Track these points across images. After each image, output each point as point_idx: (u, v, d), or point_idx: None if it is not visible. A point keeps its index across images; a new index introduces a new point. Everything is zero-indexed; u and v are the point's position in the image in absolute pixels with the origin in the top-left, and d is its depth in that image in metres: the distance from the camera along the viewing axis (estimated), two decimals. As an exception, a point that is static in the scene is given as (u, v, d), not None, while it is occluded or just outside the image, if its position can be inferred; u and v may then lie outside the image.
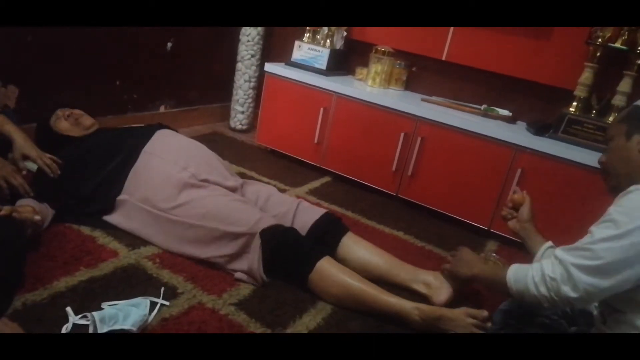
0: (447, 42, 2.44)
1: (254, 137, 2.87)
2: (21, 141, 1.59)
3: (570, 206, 2.00)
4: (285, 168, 2.60)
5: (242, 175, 2.07)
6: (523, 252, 1.68)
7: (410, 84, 2.69)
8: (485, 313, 1.34)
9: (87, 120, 1.82)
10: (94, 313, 1.17)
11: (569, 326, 1.29)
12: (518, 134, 2.09)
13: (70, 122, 1.78)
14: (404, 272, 1.59)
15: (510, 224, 1.47)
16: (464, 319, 1.33)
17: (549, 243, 1.37)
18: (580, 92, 2.09)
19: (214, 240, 1.53)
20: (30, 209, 1.39)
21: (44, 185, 1.58)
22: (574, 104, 2.11)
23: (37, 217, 1.38)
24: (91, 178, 1.65)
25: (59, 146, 1.71)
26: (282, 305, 1.43)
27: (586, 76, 2.07)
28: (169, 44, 2.71)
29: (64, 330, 1.16)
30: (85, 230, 1.61)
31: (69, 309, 1.22)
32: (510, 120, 2.32)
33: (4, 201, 1.43)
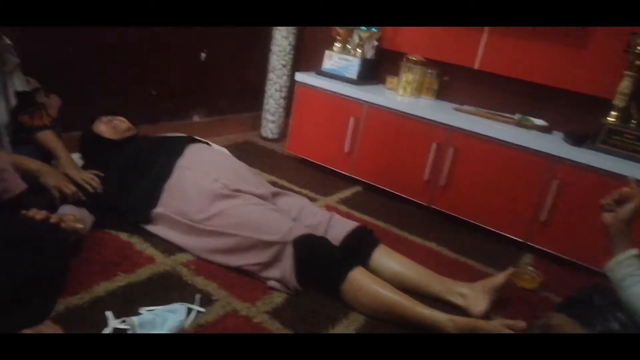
0: (480, 51, 2.42)
1: (285, 146, 2.89)
2: (64, 160, 1.68)
3: (610, 219, 1.94)
4: (316, 177, 2.61)
5: (273, 184, 2.08)
6: (558, 266, 1.64)
7: (442, 93, 2.68)
8: (522, 324, 1.31)
9: (123, 124, 1.92)
10: (133, 318, 1.20)
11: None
12: (554, 144, 2.05)
13: (108, 126, 1.89)
14: (438, 283, 1.57)
15: (606, 216, 1.31)
16: (501, 331, 1.31)
17: (634, 251, 1.23)
18: (619, 101, 2.03)
19: (247, 249, 1.54)
20: (73, 217, 1.44)
21: (87, 198, 1.64)
22: (613, 113, 2.05)
23: (80, 226, 1.44)
24: (128, 192, 1.71)
25: (97, 147, 1.85)
26: (315, 315, 1.42)
27: (625, 85, 2.02)
28: (203, 54, 2.77)
29: (104, 334, 1.18)
30: (124, 236, 1.65)
31: (108, 313, 1.25)
32: (546, 130, 2.27)
33: (49, 206, 1.48)
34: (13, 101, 1.65)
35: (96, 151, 1.87)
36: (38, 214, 1.30)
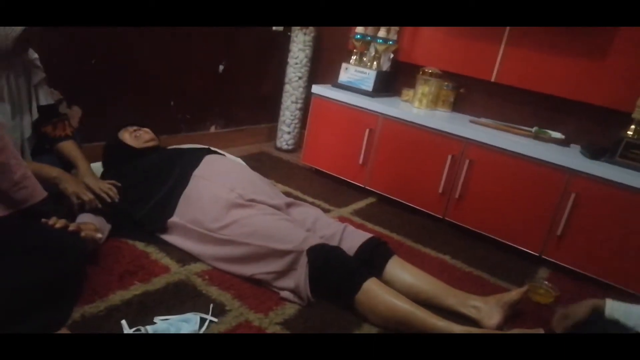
0: (497, 63, 2.42)
1: (300, 157, 2.91)
2: (83, 170, 1.72)
3: (629, 233, 1.91)
4: (330, 188, 2.62)
5: (287, 195, 2.10)
6: (574, 280, 1.62)
7: (458, 106, 2.67)
8: (540, 330, 1.31)
9: (146, 135, 1.97)
10: (147, 327, 1.22)
11: None
12: (572, 158, 2.03)
13: (132, 135, 1.96)
14: (452, 296, 1.56)
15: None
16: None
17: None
18: (638, 114, 2.00)
19: (261, 258, 1.55)
20: (93, 226, 1.47)
21: (102, 207, 1.67)
22: (632, 127, 2.02)
23: (99, 235, 1.47)
24: (144, 201, 1.75)
25: (118, 153, 1.90)
26: (328, 327, 1.43)
27: (645, 98, 1.99)
28: (221, 66, 2.81)
29: (118, 343, 1.20)
30: (140, 245, 1.67)
31: (123, 322, 1.27)
32: (564, 143, 2.25)
33: (68, 214, 1.52)
34: (35, 115, 1.70)
35: (117, 157, 1.92)
36: (58, 223, 1.33)
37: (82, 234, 1.37)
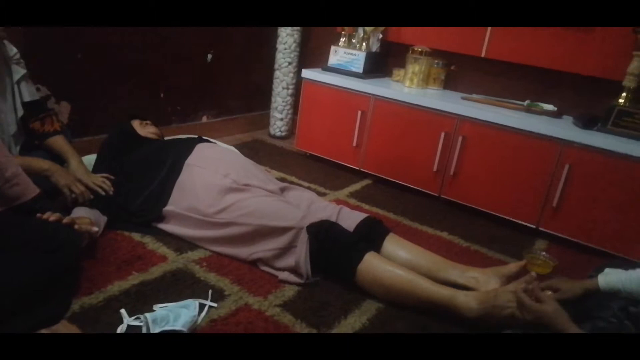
0: (486, 39, 2.40)
1: (293, 143, 2.91)
2: (75, 165, 1.71)
3: (624, 201, 1.91)
4: (325, 172, 2.62)
5: (282, 180, 2.09)
6: (571, 250, 1.63)
7: (449, 83, 2.66)
8: (533, 274, 1.33)
9: (152, 128, 2.06)
10: (147, 314, 1.22)
11: (635, 328, 1.19)
12: (564, 129, 2.02)
13: (140, 125, 2.02)
14: (451, 268, 1.57)
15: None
16: (517, 285, 1.30)
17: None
18: (629, 82, 2.00)
19: (261, 237, 1.56)
20: (88, 220, 1.47)
21: (96, 200, 1.67)
22: (623, 94, 2.02)
23: (95, 229, 1.47)
24: (138, 193, 1.74)
25: (124, 137, 1.93)
26: (327, 306, 1.43)
27: (635, 65, 1.98)
28: (209, 55, 2.79)
29: (119, 331, 1.21)
30: (136, 236, 1.67)
31: (123, 311, 1.27)
32: (556, 114, 2.24)
33: (63, 209, 1.51)
34: (20, 112, 1.68)
35: (120, 141, 1.93)
36: (52, 216, 1.33)
37: (76, 227, 1.37)
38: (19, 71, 1.67)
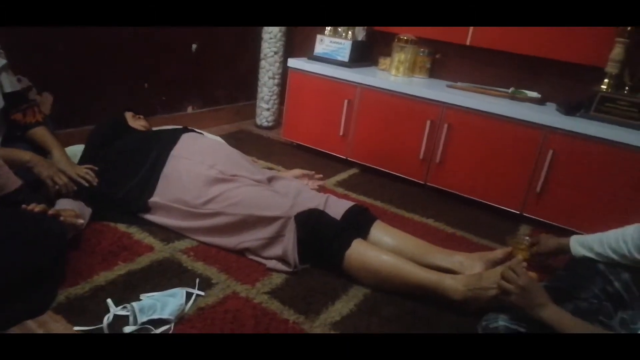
0: (471, 27, 2.41)
1: (280, 133, 2.90)
2: (58, 156, 1.68)
3: (606, 186, 1.94)
4: (312, 162, 2.61)
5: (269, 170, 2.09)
6: (554, 234, 1.66)
7: (434, 71, 2.67)
8: (520, 257, 1.41)
9: (143, 121, 2.07)
10: (134, 304, 1.22)
11: (616, 310, 1.20)
12: (548, 115, 2.05)
13: (133, 117, 2.04)
14: (437, 252, 1.58)
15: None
16: (503, 267, 1.32)
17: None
18: (611, 68, 2.03)
19: (249, 227, 1.56)
20: (73, 212, 1.45)
21: (80, 191, 1.65)
22: (606, 81, 2.05)
23: (80, 221, 1.46)
24: (123, 184, 1.72)
25: (114, 127, 1.91)
26: (314, 293, 1.44)
27: (617, 52, 2.01)
28: (194, 46, 2.76)
29: (105, 321, 1.20)
30: (122, 227, 1.66)
31: (109, 301, 1.27)
32: (540, 101, 2.27)
33: (46, 201, 1.50)
34: (1, 103, 1.65)
35: (110, 129, 1.91)
36: (37, 207, 1.32)
37: (61, 218, 1.36)
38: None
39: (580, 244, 1.43)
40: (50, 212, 1.34)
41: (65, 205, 1.53)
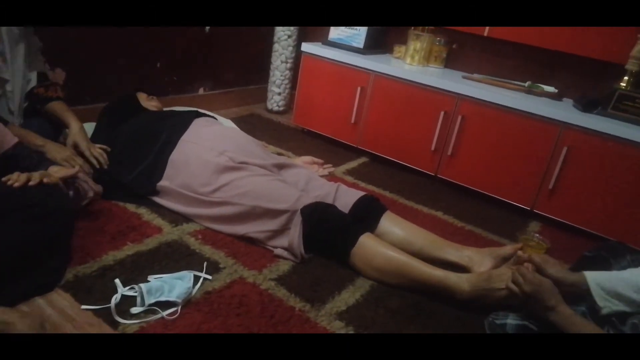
0: (489, 17, 2.36)
1: (291, 118, 2.88)
2: (76, 129, 1.70)
3: (621, 185, 1.92)
4: (322, 149, 2.60)
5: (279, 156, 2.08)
6: (565, 232, 1.63)
7: (450, 62, 2.63)
8: (525, 255, 1.34)
9: (155, 102, 2.08)
10: (141, 285, 1.22)
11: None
12: (564, 111, 2.01)
13: (146, 97, 2.07)
14: (446, 246, 1.58)
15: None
16: (510, 267, 1.31)
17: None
18: (631, 65, 1.98)
19: (255, 217, 1.55)
20: (57, 168, 1.36)
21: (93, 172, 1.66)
22: (625, 78, 2.01)
23: (75, 170, 1.39)
24: (132, 166, 1.72)
25: (127, 106, 1.95)
26: (321, 282, 1.44)
27: (638, 49, 1.96)
28: (207, 27, 2.73)
29: (113, 301, 1.20)
30: (131, 207, 1.66)
31: (117, 281, 1.27)
32: (556, 96, 2.23)
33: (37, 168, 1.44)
34: (34, 82, 1.71)
35: (122, 107, 1.94)
36: (21, 176, 1.21)
37: (45, 180, 1.24)
38: (36, 43, 1.70)
39: (601, 287, 1.18)
40: (34, 180, 1.22)
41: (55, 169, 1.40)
